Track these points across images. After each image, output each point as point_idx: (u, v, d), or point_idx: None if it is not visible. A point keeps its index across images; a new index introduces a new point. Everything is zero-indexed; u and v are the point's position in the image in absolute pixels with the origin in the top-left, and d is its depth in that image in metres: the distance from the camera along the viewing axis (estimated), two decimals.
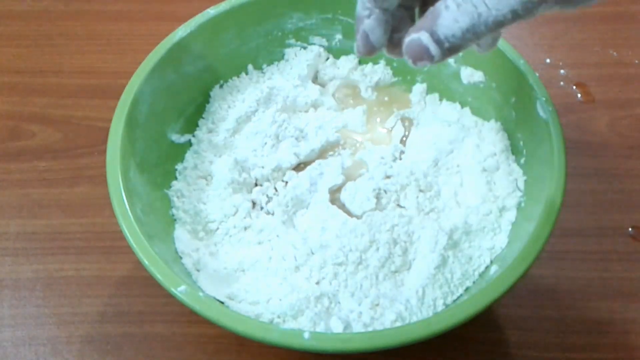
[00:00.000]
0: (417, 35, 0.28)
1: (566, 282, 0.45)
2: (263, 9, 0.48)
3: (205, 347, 0.42)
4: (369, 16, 0.32)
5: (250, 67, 0.50)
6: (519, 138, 0.43)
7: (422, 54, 0.29)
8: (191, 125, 0.47)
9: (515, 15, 0.27)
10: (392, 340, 0.33)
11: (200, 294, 0.35)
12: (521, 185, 0.42)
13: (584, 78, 0.56)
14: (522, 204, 0.41)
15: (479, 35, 0.28)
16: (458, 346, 0.42)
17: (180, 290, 0.34)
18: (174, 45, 0.45)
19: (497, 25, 0.28)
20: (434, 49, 0.28)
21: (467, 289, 0.39)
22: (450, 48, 0.28)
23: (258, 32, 0.49)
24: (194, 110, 0.48)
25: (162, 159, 0.44)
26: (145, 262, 0.35)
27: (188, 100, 0.47)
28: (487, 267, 0.40)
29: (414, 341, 0.33)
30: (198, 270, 0.40)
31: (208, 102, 0.48)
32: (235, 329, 0.33)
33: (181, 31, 0.46)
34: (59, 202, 0.49)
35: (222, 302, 0.38)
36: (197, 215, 0.43)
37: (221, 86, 0.49)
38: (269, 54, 0.50)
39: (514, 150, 0.44)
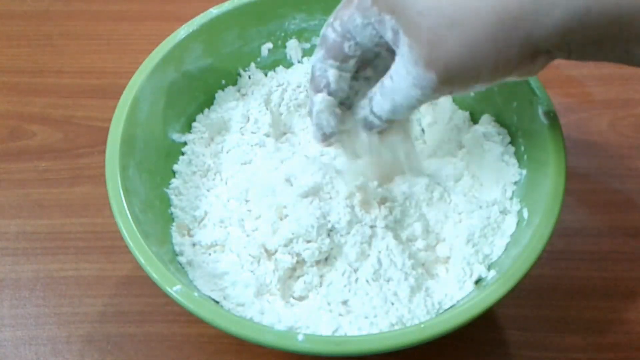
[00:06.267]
0: (364, 115, 0.38)
1: (566, 282, 0.45)
2: (266, 9, 0.48)
3: (205, 347, 0.42)
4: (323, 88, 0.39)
5: (252, 67, 0.50)
6: (521, 142, 0.43)
7: (370, 126, 0.39)
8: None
9: (421, 102, 0.35)
10: (386, 344, 0.33)
11: (195, 293, 0.35)
12: (522, 189, 0.42)
13: (584, 78, 0.56)
14: (523, 208, 0.41)
15: (403, 113, 0.37)
16: (458, 346, 0.42)
17: (175, 290, 0.34)
18: (176, 44, 0.45)
19: (412, 108, 0.36)
20: (377, 122, 0.38)
21: (468, 292, 0.39)
22: (388, 119, 0.38)
23: (261, 32, 0.49)
24: (195, 109, 0.47)
25: (162, 158, 0.44)
26: (142, 260, 0.35)
27: (189, 100, 0.47)
28: (490, 266, 0.40)
29: (408, 345, 0.33)
30: (194, 270, 0.40)
31: (210, 101, 0.48)
32: (228, 329, 0.33)
33: (183, 30, 0.45)
34: (59, 202, 0.49)
35: (218, 302, 0.38)
36: (193, 211, 0.43)
37: (223, 86, 0.49)
38: (271, 54, 0.50)
39: (516, 153, 0.44)
